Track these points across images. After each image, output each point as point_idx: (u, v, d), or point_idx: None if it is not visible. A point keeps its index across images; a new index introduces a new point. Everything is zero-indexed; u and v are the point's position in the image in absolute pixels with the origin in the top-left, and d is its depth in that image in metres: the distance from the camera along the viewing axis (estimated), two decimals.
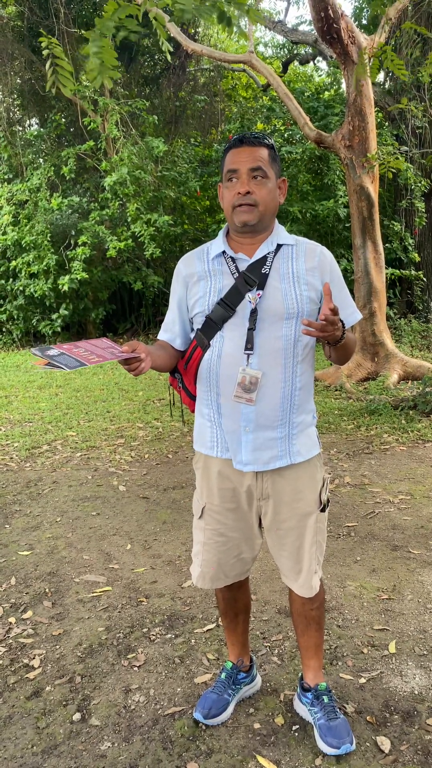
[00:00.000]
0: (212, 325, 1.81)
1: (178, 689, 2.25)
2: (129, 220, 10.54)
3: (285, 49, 15.07)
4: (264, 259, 1.80)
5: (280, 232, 1.85)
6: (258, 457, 1.81)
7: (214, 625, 2.63)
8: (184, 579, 3.03)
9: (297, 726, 2.05)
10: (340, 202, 10.49)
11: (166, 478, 4.50)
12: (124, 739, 2.03)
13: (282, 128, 11.55)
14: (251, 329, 1.76)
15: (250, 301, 1.77)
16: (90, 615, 2.75)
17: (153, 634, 2.59)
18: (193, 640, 2.54)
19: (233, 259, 1.82)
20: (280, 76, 12.01)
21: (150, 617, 2.71)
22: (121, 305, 12.58)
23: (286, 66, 13.53)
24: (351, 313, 1.89)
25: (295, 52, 13.86)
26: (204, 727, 2.05)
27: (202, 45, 9.14)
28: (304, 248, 1.84)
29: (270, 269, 1.79)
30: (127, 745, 2.00)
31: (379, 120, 10.77)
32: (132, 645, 2.52)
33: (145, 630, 2.62)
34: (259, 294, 1.77)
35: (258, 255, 1.80)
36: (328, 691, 2.04)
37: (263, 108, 12.30)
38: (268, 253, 1.81)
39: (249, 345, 1.76)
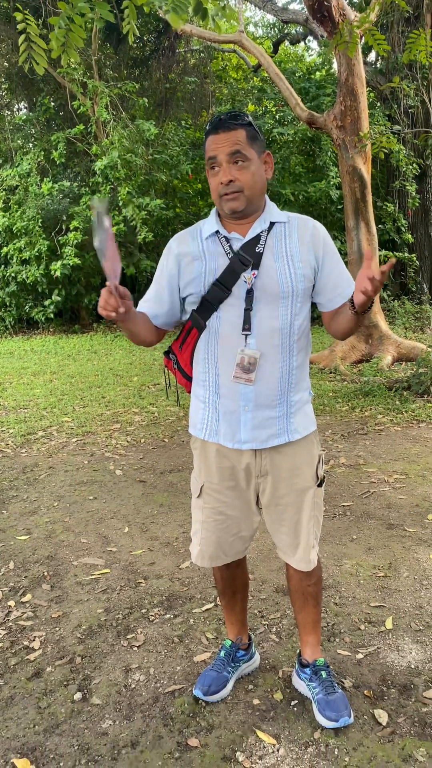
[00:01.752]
0: (208, 305, 1.79)
1: (178, 668, 2.28)
2: (120, 204, 10.47)
3: (275, 29, 14.89)
4: (257, 237, 1.79)
5: (272, 210, 1.84)
6: (256, 435, 1.82)
7: (213, 604, 2.65)
8: (181, 560, 3.05)
9: (296, 701, 2.08)
10: (332, 183, 10.44)
11: (162, 462, 4.51)
12: (125, 717, 2.05)
13: (273, 109, 11.46)
14: (248, 309, 1.76)
15: (245, 281, 1.76)
16: (89, 597, 2.77)
17: (152, 615, 2.61)
18: (191, 620, 2.56)
19: (227, 239, 1.80)
20: (271, 57, 11.88)
21: (149, 598, 2.74)
22: None
23: (276, 46, 13.39)
24: (348, 286, 1.87)
25: (286, 31, 13.70)
26: (204, 704, 2.08)
27: (191, 25, 9.01)
28: (297, 224, 1.83)
29: (264, 248, 1.78)
30: (128, 722, 2.02)
31: (371, 100, 10.70)
32: (131, 626, 2.54)
33: (143, 611, 2.64)
34: (254, 273, 1.76)
35: (251, 234, 1.79)
36: (326, 667, 2.07)
37: (254, 89, 12.20)
38: (262, 232, 1.79)
39: (246, 326, 1.76)
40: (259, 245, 1.78)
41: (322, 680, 2.02)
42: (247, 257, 1.76)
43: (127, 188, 10.37)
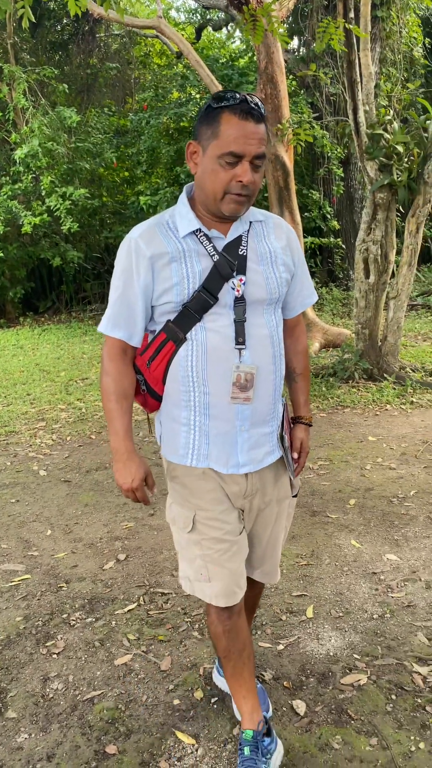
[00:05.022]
0: (189, 315, 1.55)
1: (98, 672, 2.23)
2: (43, 193, 10.16)
3: (198, 15, 14.75)
4: (239, 238, 1.60)
5: (251, 208, 1.64)
6: (254, 456, 1.65)
7: (135, 604, 2.62)
8: (105, 561, 3.00)
9: (216, 698, 2.07)
10: None
11: (88, 460, 4.43)
12: (41, 728, 1.99)
13: (197, 96, 11.36)
14: (241, 321, 1.56)
15: (233, 288, 1.56)
16: (7, 605, 2.68)
17: (73, 619, 2.55)
18: (113, 622, 2.52)
19: (208, 238, 1.57)
20: (193, 43, 11.77)
21: (70, 602, 2.67)
22: (41, 283, 12.22)
23: (199, 32, 13.26)
24: (309, 295, 1.78)
25: (208, 17, 13.60)
26: (123, 709, 2.05)
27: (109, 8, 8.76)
28: (272, 224, 1.68)
29: (247, 250, 1.59)
30: (45, 734, 1.97)
31: (293, 88, 10.77)
32: (51, 632, 2.48)
33: (64, 616, 2.58)
34: (241, 279, 1.56)
35: (233, 234, 1.59)
36: None
37: (178, 75, 12.05)
38: (243, 232, 1.61)
39: (240, 339, 1.56)
40: (241, 247, 1.59)
41: None
42: (232, 260, 1.56)
43: (49, 177, 10.06)
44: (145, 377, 1.66)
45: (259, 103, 1.48)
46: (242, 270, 1.57)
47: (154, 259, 1.54)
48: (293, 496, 1.83)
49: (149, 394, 1.68)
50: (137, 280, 1.56)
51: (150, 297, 1.58)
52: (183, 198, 1.61)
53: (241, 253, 1.57)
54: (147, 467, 1.66)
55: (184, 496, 1.68)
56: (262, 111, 1.49)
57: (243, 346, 1.56)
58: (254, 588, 1.94)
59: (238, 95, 1.46)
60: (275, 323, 1.65)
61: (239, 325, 1.56)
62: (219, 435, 1.61)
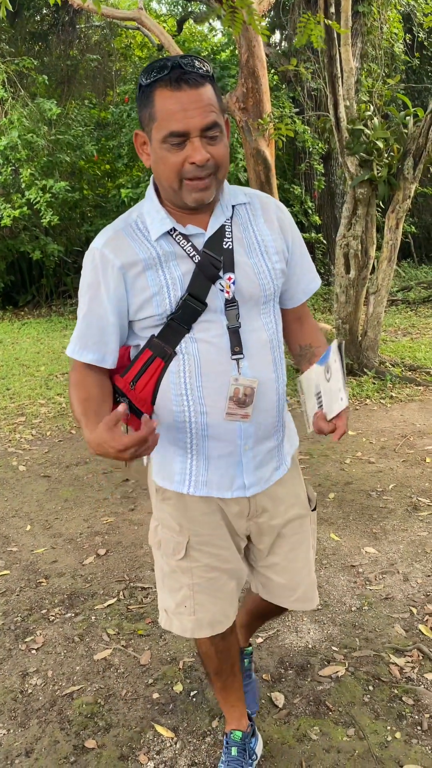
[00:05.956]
0: (176, 327, 1.37)
1: (77, 668, 2.23)
2: (23, 186, 10.06)
3: (179, 7, 14.67)
4: (222, 228, 1.40)
5: (230, 189, 1.44)
6: (261, 475, 1.49)
7: (115, 599, 2.62)
8: (85, 556, 2.99)
9: (195, 692, 2.08)
10: (240, 166, 10.45)
11: (69, 455, 4.40)
12: (20, 724, 1.99)
13: None
14: (236, 327, 1.39)
15: (222, 290, 1.37)
16: None
17: (52, 615, 2.54)
18: (93, 617, 2.52)
19: (185, 236, 1.38)
20: (174, 36, 11.71)
21: (49, 598, 2.67)
22: (21, 276, 12.09)
23: (180, 24, 13.19)
24: (311, 280, 1.57)
25: (190, 10, 13.53)
26: (102, 703, 2.05)
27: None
28: (259, 204, 1.47)
29: (232, 242, 1.40)
30: (23, 730, 1.97)
31: (275, 82, 10.75)
32: (30, 628, 2.47)
33: (44, 611, 2.57)
34: (230, 278, 1.38)
35: (214, 225, 1.39)
36: (250, 655, 2.01)
37: None
38: (226, 220, 1.40)
39: (237, 348, 1.38)
40: (225, 239, 1.39)
41: (243, 668, 1.98)
42: (216, 258, 1.37)
43: (29, 170, 9.96)
44: (130, 399, 1.44)
45: (197, 63, 1.26)
46: (230, 267, 1.38)
47: (126, 269, 1.35)
48: (312, 510, 1.65)
49: (135, 416, 1.47)
50: (107, 294, 1.37)
51: (125, 312, 1.39)
52: (150, 192, 1.40)
53: (226, 246, 1.38)
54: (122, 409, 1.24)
55: (176, 519, 1.51)
56: (202, 71, 1.25)
57: (241, 356, 1.38)
58: (276, 610, 1.77)
59: (168, 62, 1.25)
60: (274, 323, 1.47)
61: (234, 332, 1.38)
62: (221, 457, 1.44)
